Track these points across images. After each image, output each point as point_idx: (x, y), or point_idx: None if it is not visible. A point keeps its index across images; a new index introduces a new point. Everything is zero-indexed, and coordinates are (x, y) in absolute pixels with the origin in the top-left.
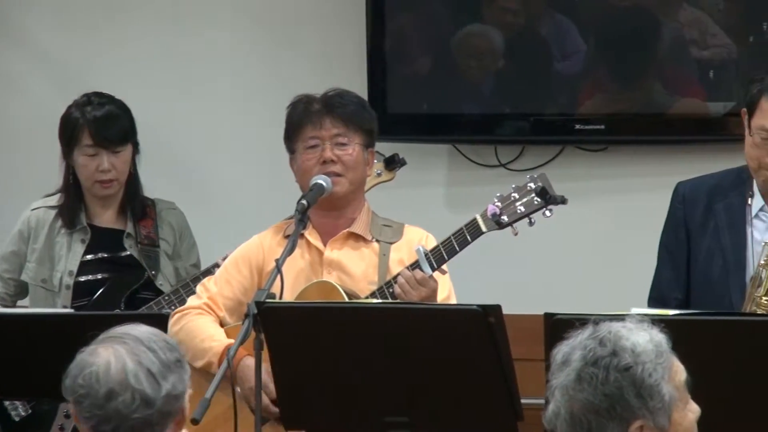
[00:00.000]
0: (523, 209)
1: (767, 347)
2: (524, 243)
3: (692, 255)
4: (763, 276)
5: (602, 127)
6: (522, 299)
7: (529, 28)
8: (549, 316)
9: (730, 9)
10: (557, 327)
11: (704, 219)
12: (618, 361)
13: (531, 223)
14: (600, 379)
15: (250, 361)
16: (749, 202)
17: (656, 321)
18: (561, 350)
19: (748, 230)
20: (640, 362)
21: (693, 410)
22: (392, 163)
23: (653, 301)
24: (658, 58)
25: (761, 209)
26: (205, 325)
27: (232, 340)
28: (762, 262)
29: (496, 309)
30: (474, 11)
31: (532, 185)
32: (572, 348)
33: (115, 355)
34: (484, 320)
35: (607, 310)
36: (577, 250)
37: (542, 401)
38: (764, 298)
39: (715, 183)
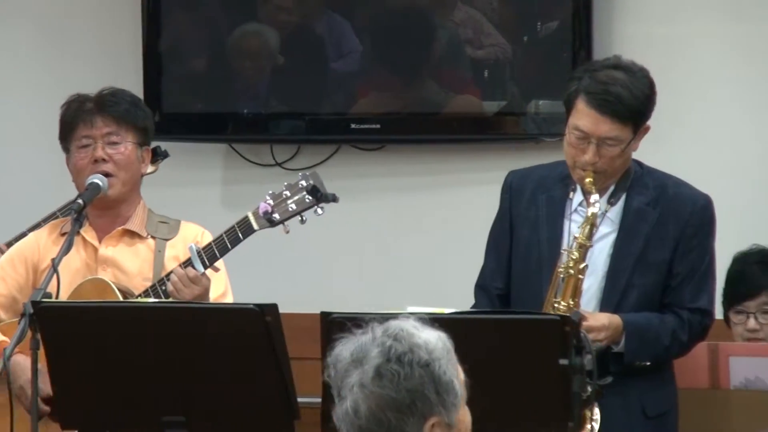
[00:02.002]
0: (294, 207)
1: (539, 346)
2: (301, 241)
3: (514, 246)
4: (560, 280)
5: (377, 126)
6: (299, 298)
7: (304, 27)
8: (325, 315)
9: (505, 9)
10: (333, 326)
11: (527, 210)
12: (419, 357)
13: (303, 221)
14: (402, 375)
15: (20, 358)
16: (571, 195)
17: (431, 320)
18: (347, 348)
19: (566, 224)
20: (436, 358)
21: (467, 409)
22: (154, 156)
23: (478, 289)
24: (433, 57)
25: (580, 204)
26: None
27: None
28: (560, 268)
29: (273, 308)
30: (249, 10)
31: (304, 183)
32: (363, 345)
33: None
34: (261, 319)
35: (383, 308)
36: (353, 249)
37: (319, 400)
38: (561, 303)
39: (544, 174)
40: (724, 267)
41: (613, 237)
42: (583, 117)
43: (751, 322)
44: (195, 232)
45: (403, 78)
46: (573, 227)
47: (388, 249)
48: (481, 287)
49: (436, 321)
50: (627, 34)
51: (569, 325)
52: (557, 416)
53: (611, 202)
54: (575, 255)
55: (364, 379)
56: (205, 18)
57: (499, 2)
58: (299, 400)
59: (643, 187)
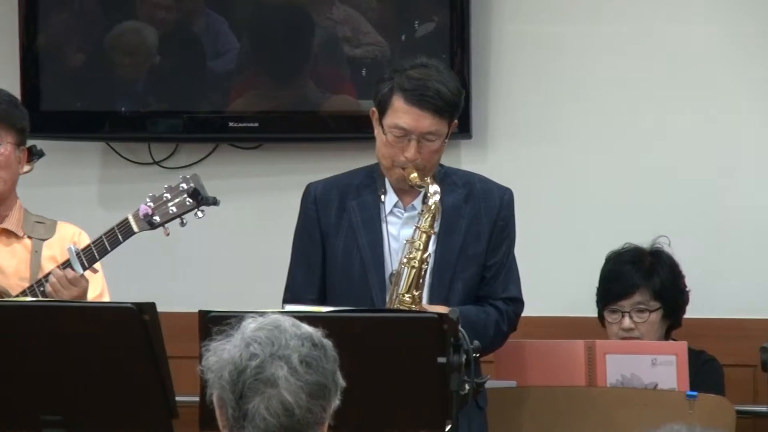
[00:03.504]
0: (175, 210)
1: (417, 344)
2: (178, 240)
3: (329, 255)
4: (403, 273)
5: (255, 124)
6: (177, 297)
7: (182, 25)
8: (203, 314)
9: (383, 8)
10: (211, 324)
11: (338, 218)
12: (327, 343)
13: (183, 224)
14: (324, 359)
15: None
16: (383, 199)
17: (309, 318)
18: (247, 343)
19: (384, 227)
20: (331, 346)
21: None
22: (30, 155)
23: (288, 303)
24: (310, 56)
25: (395, 205)
26: None
27: None
28: (404, 259)
29: (151, 307)
30: (127, 8)
31: (185, 186)
32: (271, 339)
33: None
34: (139, 318)
35: (260, 307)
36: (230, 248)
37: (197, 399)
38: (406, 295)
39: (347, 182)
40: (598, 266)
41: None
42: (403, 114)
43: (626, 322)
44: (72, 232)
45: (280, 76)
46: (391, 229)
47: (266, 247)
48: (291, 301)
49: (314, 319)
50: (504, 33)
51: (447, 323)
52: (435, 415)
53: (425, 201)
54: (418, 244)
55: (292, 369)
56: (84, 15)
57: (378, 1)
58: (177, 398)
59: (452, 185)
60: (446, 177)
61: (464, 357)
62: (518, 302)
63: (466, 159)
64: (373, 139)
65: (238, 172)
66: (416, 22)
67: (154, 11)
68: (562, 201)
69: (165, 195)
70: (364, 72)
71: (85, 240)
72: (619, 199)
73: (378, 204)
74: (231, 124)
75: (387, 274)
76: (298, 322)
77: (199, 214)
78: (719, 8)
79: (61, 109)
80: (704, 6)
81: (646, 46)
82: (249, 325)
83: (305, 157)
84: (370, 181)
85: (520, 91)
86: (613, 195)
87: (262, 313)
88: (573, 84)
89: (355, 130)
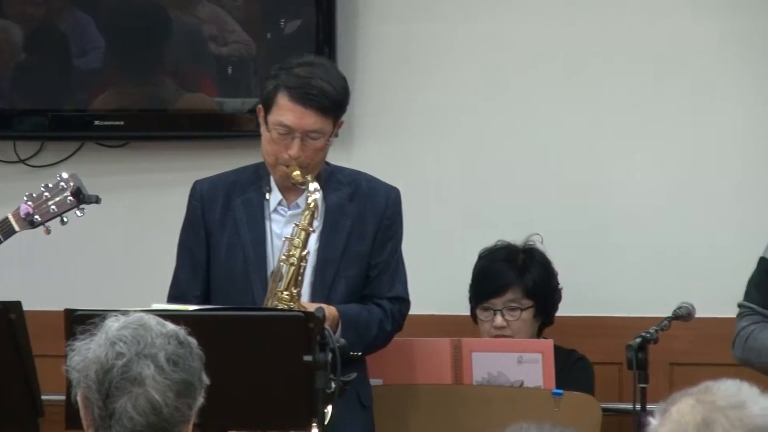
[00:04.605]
0: (55, 208)
1: (283, 343)
2: (45, 238)
3: (212, 252)
4: (283, 271)
5: (121, 123)
6: (43, 295)
7: (49, 22)
8: (69, 312)
9: (249, 5)
10: (78, 323)
11: (223, 215)
12: (192, 341)
13: (64, 223)
14: (189, 357)
15: None
16: (267, 197)
17: (174, 317)
18: (113, 342)
19: (267, 225)
20: (196, 344)
21: None
22: None
23: (173, 299)
24: (174, 54)
25: (280, 204)
26: None
27: None
28: (283, 257)
29: (17, 305)
30: None
31: (64, 185)
32: (136, 338)
33: None
34: (5, 317)
35: (127, 305)
36: (98, 247)
37: (63, 397)
38: (285, 292)
39: (233, 179)
40: (468, 264)
41: (318, 231)
42: (287, 112)
43: (498, 320)
44: None
45: (145, 75)
46: (275, 227)
47: (133, 246)
48: (176, 297)
49: (180, 318)
50: (370, 33)
51: (313, 322)
52: (301, 413)
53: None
54: (297, 242)
55: (159, 368)
56: None
57: None
58: (44, 397)
59: (337, 183)
60: (332, 175)
61: (330, 355)
62: (404, 302)
63: (331, 157)
64: (236, 137)
65: (104, 170)
66: (282, 21)
67: (20, 9)
68: (431, 199)
69: (44, 194)
70: (230, 70)
71: None
72: (489, 197)
73: (262, 202)
74: (96, 122)
75: (269, 272)
76: (162, 320)
77: (78, 213)
78: (585, 7)
79: None
80: (572, 5)
81: (512, 44)
82: (113, 324)
83: (170, 155)
84: (255, 179)
85: (386, 89)
86: (484, 193)
87: (125, 312)
88: (439, 83)
89: (219, 128)
